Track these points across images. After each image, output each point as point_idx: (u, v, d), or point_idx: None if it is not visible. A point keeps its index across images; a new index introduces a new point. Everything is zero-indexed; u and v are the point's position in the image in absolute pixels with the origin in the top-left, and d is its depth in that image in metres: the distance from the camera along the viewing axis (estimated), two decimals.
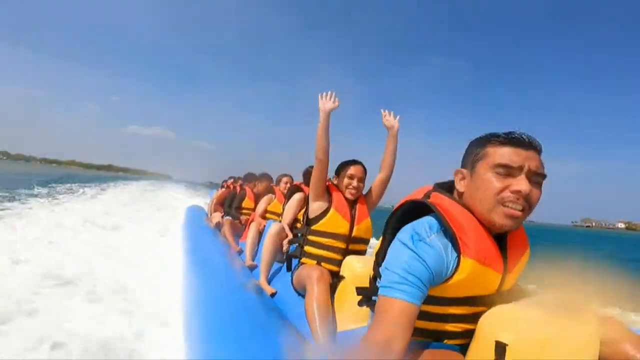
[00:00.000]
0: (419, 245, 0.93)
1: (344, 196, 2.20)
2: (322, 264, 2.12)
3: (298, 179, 3.60)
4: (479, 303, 1.00)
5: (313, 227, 2.18)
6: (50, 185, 15.29)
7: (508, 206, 0.95)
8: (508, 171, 0.96)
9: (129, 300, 2.79)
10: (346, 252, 2.09)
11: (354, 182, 2.19)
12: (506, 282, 1.02)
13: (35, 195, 10.70)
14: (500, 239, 1.03)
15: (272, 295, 2.36)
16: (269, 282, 2.55)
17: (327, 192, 2.22)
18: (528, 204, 0.96)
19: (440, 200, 1.04)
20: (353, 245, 2.16)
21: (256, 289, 2.32)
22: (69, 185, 17.87)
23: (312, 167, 2.99)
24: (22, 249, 3.91)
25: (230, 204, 4.78)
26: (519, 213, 0.95)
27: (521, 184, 0.94)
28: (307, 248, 2.20)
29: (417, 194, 1.11)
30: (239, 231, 4.26)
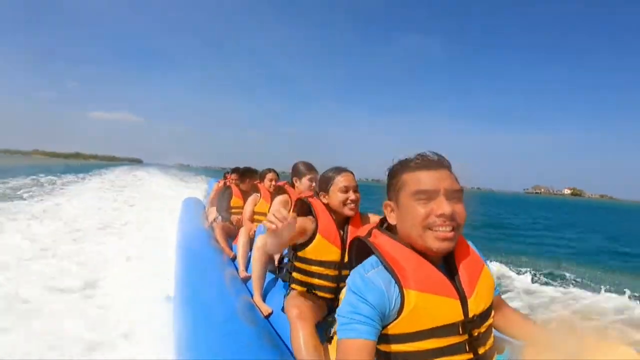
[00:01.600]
0: (361, 284, 0.98)
1: (332, 216, 1.90)
2: (314, 291, 1.91)
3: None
4: (449, 333, 0.98)
5: (299, 254, 1.93)
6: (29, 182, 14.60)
7: (437, 230, 0.98)
8: (427, 196, 0.99)
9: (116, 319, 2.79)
10: (340, 279, 1.88)
11: (351, 195, 1.88)
12: (473, 306, 1.01)
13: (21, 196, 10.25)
14: (449, 263, 1.06)
15: (268, 315, 2.19)
16: (264, 297, 2.37)
17: (309, 210, 1.93)
18: (456, 222, 0.99)
19: (377, 237, 1.08)
20: (347, 271, 1.87)
21: (249, 312, 2.13)
22: (49, 177, 17.64)
23: (301, 162, 2.81)
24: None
25: (220, 203, 4.49)
26: (450, 234, 0.98)
27: (443, 206, 0.97)
28: (295, 274, 1.96)
29: (363, 231, 1.19)
30: (231, 232, 4.04)
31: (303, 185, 2.71)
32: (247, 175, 4.38)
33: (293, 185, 2.87)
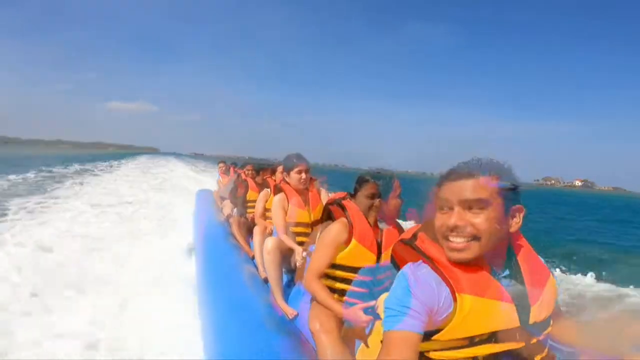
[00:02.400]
0: (411, 280, 1.00)
1: (367, 218, 1.84)
2: (344, 298, 1.82)
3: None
4: (507, 338, 0.99)
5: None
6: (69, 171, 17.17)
7: (450, 240, 1.00)
8: (443, 206, 1.02)
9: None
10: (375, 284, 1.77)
11: (376, 201, 1.82)
12: (535, 313, 1.01)
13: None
14: (514, 270, 1.05)
15: (294, 318, 2.20)
16: (286, 298, 2.42)
17: (342, 208, 1.86)
18: (469, 233, 0.98)
19: (424, 242, 1.09)
20: (382, 275, 1.77)
21: (277, 317, 2.14)
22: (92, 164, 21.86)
23: (293, 155, 2.80)
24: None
25: (235, 197, 4.44)
26: (461, 245, 0.99)
27: (452, 218, 0.99)
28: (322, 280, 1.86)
29: (407, 234, 1.19)
30: (250, 228, 4.00)
31: (292, 179, 2.77)
32: (262, 169, 4.34)
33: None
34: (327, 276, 1.88)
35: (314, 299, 1.88)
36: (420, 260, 1.05)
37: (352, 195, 1.92)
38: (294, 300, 2.37)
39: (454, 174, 1.03)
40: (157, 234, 5.46)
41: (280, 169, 3.48)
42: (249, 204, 4.32)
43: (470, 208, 0.99)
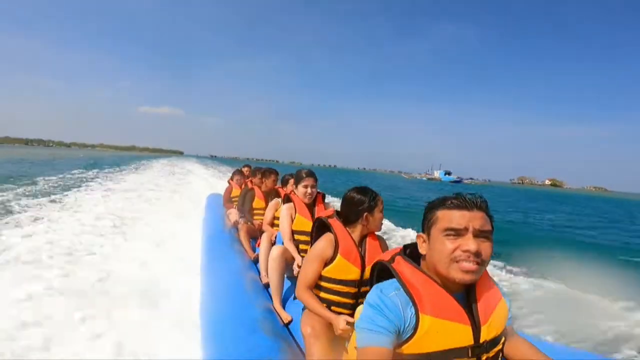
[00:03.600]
0: (380, 301, 1.10)
1: (351, 236, 1.99)
2: (332, 307, 1.96)
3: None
4: (459, 355, 1.10)
5: None
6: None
7: (462, 263, 1.09)
8: (457, 232, 1.10)
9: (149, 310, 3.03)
10: (358, 295, 1.97)
11: (381, 214, 2.02)
12: (484, 332, 1.13)
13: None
14: (470, 293, 1.17)
15: (288, 323, 2.33)
16: (284, 303, 2.56)
17: (326, 227, 2.02)
18: (481, 259, 1.09)
19: (399, 264, 1.20)
20: (366, 287, 1.87)
21: (270, 321, 2.25)
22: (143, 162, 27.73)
23: (304, 170, 3.03)
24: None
25: (243, 203, 4.52)
26: (474, 267, 1.09)
27: (469, 243, 1.08)
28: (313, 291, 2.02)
29: (386, 256, 1.30)
30: (255, 234, 4.18)
31: (299, 192, 2.99)
32: (270, 174, 4.42)
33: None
34: (317, 287, 2.02)
35: (305, 308, 2.04)
36: (394, 280, 1.16)
37: (340, 214, 2.07)
38: (292, 305, 2.49)
39: (467, 205, 1.12)
40: (167, 236, 5.54)
41: (291, 181, 3.74)
42: (255, 212, 4.47)
43: (479, 237, 1.10)
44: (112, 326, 2.75)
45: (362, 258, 1.98)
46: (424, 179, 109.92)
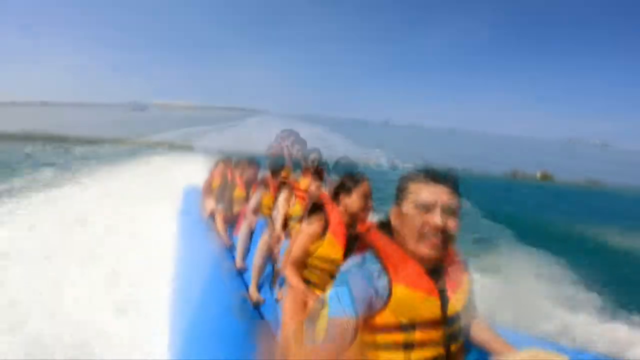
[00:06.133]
0: (353, 271, 1.12)
1: (342, 217, 1.98)
2: (312, 286, 2.00)
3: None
4: (429, 327, 1.12)
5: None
6: None
7: (429, 238, 1.10)
8: (425, 207, 1.11)
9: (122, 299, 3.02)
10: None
11: (368, 201, 1.94)
12: (451, 307, 1.16)
13: None
14: (438, 268, 1.18)
15: (258, 304, 2.46)
16: (261, 286, 2.63)
17: (321, 206, 2.04)
18: (447, 234, 1.11)
19: (374, 235, 1.21)
20: None
21: (240, 305, 2.33)
22: None
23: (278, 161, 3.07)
24: None
25: (223, 192, 4.54)
26: (440, 243, 1.11)
27: (435, 219, 1.10)
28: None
29: (362, 228, 1.34)
30: (232, 221, 4.18)
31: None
32: (252, 164, 4.45)
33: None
34: (307, 266, 2.04)
35: (288, 283, 2.06)
36: (369, 251, 1.17)
37: (336, 195, 2.02)
38: (267, 287, 2.58)
39: (437, 179, 1.13)
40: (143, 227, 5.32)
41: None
42: (235, 201, 4.46)
43: (447, 212, 1.11)
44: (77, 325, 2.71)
45: (350, 239, 1.96)
46: None
